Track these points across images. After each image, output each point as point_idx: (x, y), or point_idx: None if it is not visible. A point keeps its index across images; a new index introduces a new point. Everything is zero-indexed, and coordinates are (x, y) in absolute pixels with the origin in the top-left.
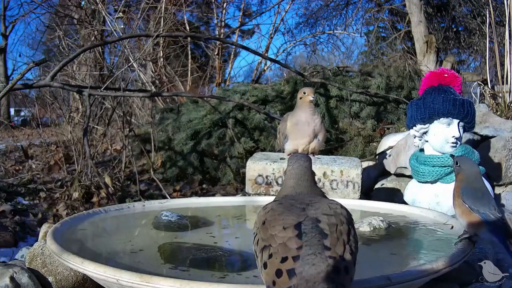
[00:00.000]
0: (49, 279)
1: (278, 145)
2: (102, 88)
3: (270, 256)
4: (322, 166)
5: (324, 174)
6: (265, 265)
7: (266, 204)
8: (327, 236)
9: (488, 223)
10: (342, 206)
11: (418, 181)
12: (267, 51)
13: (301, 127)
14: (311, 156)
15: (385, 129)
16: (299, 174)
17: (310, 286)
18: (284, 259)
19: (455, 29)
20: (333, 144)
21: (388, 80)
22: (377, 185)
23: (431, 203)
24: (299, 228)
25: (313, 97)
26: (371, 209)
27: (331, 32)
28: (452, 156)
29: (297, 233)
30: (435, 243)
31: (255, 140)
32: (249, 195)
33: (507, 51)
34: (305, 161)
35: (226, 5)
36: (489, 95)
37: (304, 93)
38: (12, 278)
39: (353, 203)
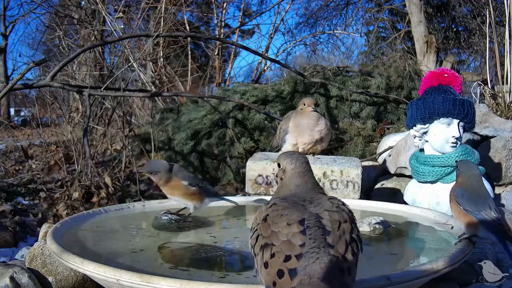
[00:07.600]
0: (49, 279)
1: (276, 141)
2: (102, 88)
3: (273, 255)
4: (322, 166)
5: (324, 174)
6: (266, 265)
7: (268, 201)
8: (330, 233)
9: (483, 224)
10: (344, 203)
11: (418, 181)
12: (267, 51)
13: (307, 126)
14: (310, 156)
15: (385, 129)
16: (303, 173)
17: (313, 282)
18: (287, 258)
19: (455, 29)
20: (333, 144)
21: (388, 80)
22: (377, 185)
23: (431, 203)
24: (303, 224)
25: (313, 108)
26: (371, 209)
27: (331, 32)
28: (456, 162)
29: (302, 229)
30: (435, 243)
31: (255, 140)
32: (249, 195)
33: (507, 51)
34: (304, 160)
35: (226, 5)
36: (489, 95)
37: (304, 104)
38: (12, 278)
39: (353, 203)
